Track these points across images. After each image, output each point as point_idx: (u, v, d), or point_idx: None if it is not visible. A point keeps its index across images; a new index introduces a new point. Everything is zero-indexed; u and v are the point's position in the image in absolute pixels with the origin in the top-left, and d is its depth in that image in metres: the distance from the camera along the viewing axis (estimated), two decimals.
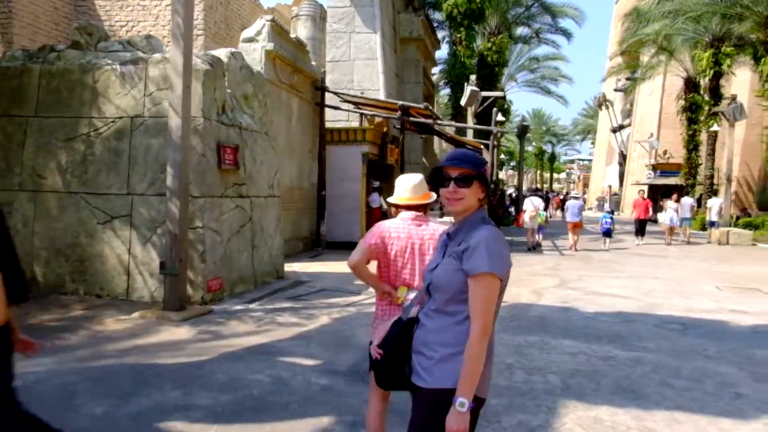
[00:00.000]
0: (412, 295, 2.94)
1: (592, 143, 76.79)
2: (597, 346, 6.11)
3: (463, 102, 19.13)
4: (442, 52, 35.57)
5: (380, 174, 17.24)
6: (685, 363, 5.55)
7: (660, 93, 38.81)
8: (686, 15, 21.64)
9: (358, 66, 19.13)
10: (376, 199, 15.88)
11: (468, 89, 18.63)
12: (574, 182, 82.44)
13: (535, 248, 16.65)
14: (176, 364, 5.14)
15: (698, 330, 6.98)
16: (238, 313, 7.39)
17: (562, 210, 34.29)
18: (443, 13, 21.37)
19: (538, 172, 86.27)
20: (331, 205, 15.44)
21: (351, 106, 16.38)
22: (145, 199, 7.81)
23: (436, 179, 2.25)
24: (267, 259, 9.51)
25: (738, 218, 25.04)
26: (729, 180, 22.24)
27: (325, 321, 7.13)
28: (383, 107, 16.14)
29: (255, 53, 12.01)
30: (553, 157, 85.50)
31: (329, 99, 16.15)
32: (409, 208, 3.21)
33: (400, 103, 14.63)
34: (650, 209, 19.81)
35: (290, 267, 11.23)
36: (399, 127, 18.80)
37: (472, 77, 19.70)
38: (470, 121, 19.40)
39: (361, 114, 16.95)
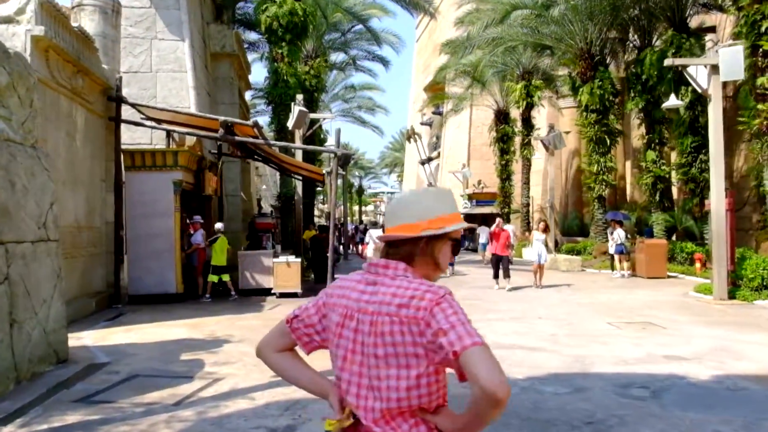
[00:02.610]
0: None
1: (398, 176, 79.21)
2: None
3: (290, 124, 16.77)
4: (255, 77, 33.12)
5: (196, 207, 14.14)
6: None
7: (468, 125, 40.14)
8: (505, 45, 21.74)
9: (163, 79, 15.91)
10: (200, 238, 12.80)
11: (296, 109, 16.34)
12: (383, 214, 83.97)
13: None
14: None
15: (670, 395, 5.33)
16: None
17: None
18: (262, 25, 18.89)
19: (347, 204, 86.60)
20: (135, 248, 12.03)
21: (160, 124, 13.20)
22: None
23: None
24: (39, 338, 6.17)
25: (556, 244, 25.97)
26: (552, 207, 22.66)
27: None
28: (198, 126, 13.20)
29: (16, 39, 8.51)
30: (360, 190, 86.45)
31: (128, 114, 12.83)
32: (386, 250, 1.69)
33: (223, 118, 11.86)
34: (512, 243, 15.19)
35: (79, 340, 7.85)
36: (216, 152, 15.90)
37: (299, 97, 17.50)
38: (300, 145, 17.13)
39: (169, 133, 13.81)
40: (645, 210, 20.26)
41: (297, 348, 1.75)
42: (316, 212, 36.14)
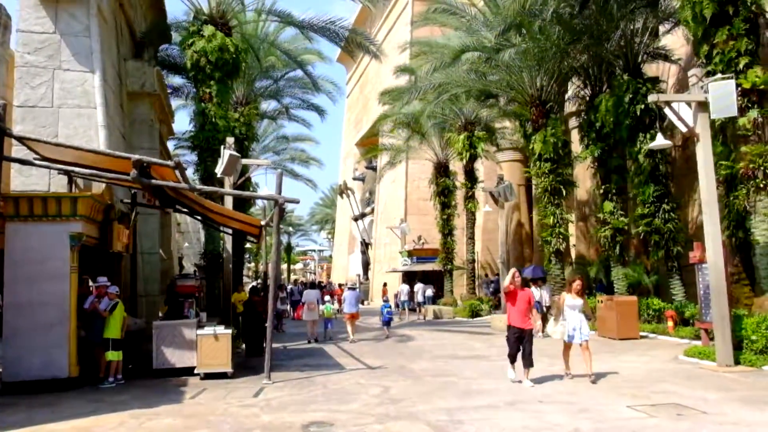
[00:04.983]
0: None
1: (329, 233, 77.12)
2: None
3: (219, 170, 14.54)
4: (180, 126, 30.59)
5: (102, 268, 11.55)
6: None
7: (404, 179, 38.83)
8: (450, 92, 20.55)
9: (66, 115, 13.44)
10: (106, 302, 10.19)
11: (226, 153, 14.20)
12: (314, 273, 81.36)
13: (316, 340, 16.48)
14: None
15: None
16: None
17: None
18: (188, 61, 16.79)
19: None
20: (14, 321, 9.37)
21: (58, 164, 10.74)
22: None
23: None
24: None
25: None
26: (504, 263, 21.15)
27: None
28: (105, 168, 10.80)
29: None
30: (289, 248, 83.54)
31: (22, 155, 10.39)
32: None
33: (137, 157, 9.58)
34: (537, 308, 10.05)
35: None
36: (129, 201, 13.43)
37: (230, 140, 15.35)
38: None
39: (71, 176, 11.35)
40: (600, 264, 19.10)
41: None
42: (244, 271, 33.27)
